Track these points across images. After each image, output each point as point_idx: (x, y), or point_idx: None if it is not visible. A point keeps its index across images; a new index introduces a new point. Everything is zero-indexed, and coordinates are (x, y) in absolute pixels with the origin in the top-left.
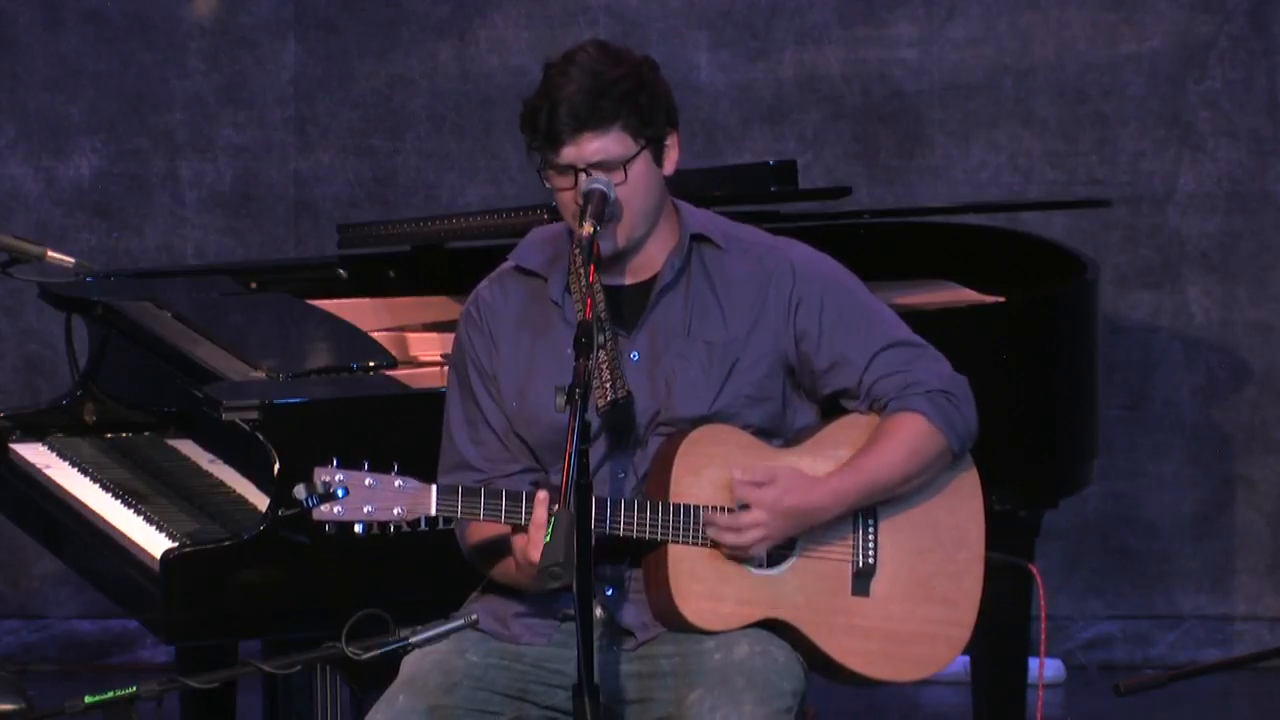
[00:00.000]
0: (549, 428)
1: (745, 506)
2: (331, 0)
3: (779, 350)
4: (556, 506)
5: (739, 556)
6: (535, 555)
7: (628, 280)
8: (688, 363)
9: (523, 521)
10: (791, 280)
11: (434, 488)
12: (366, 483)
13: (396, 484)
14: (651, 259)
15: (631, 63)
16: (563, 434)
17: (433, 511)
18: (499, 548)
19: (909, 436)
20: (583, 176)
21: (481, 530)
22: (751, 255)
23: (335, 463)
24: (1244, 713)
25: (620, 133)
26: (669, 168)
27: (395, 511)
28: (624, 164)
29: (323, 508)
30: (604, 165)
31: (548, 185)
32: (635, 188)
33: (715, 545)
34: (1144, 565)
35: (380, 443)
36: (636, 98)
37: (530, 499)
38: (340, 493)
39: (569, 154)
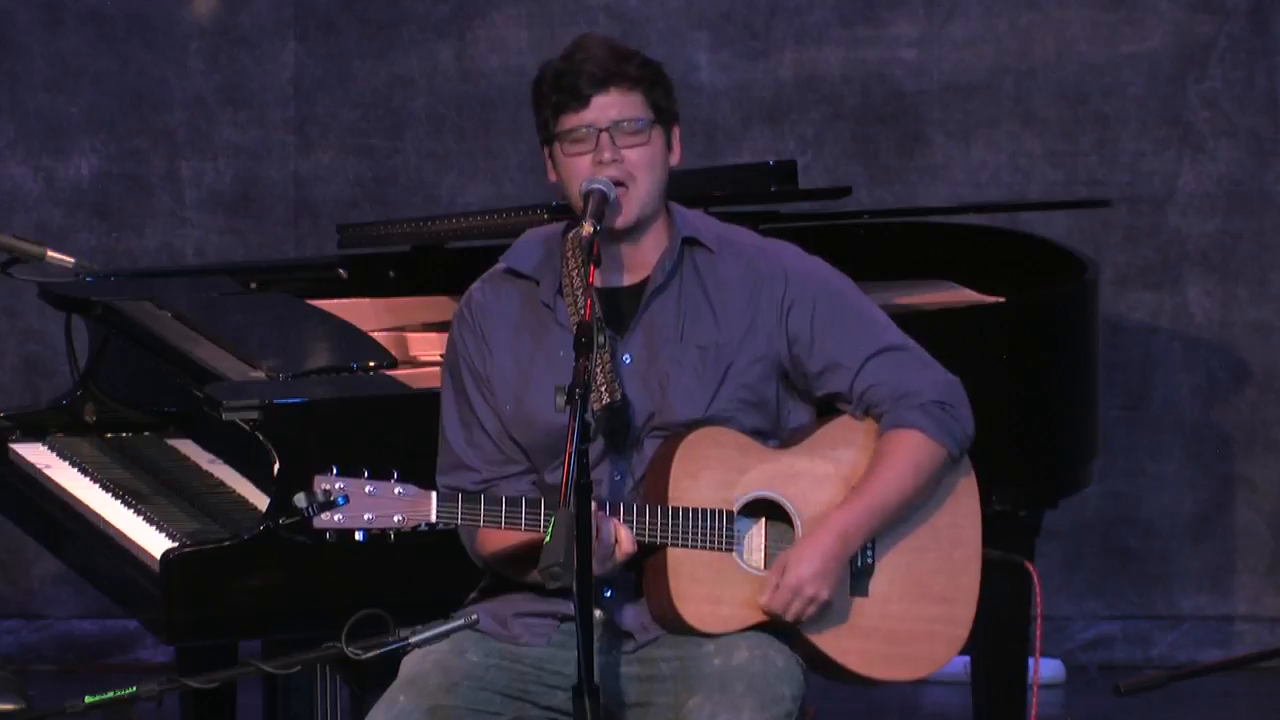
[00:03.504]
0: (545, 430)
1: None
2: (331, 0)
3: (772, 353)
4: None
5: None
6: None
7: (621, 282)
8: (681, 367)
9: (522, 526)
10: (784, 284)
11: (434, 495)
12: (366, 490)
13: (396, 491)
14: (645, 260)
15: (642, 53)
16: (559, 436)
17: (433, 518)
18: (526, 554)
19: (911, 455)
20: (603, 137)
21: (504, 538)
22: (743, 258)
23: (335, 470)
24: (1244, 713)
25: (642, 99)
26: (675, 158)
27: (395, 519)
28: (648, 125)
29: (323, 516)
30: (624, 125)
31: (553, 161)
32: (653, 154)
33: (710, 538)
34: (1144, 565)
35: (380, 443)
36: (655, 72)
37: (533, 505)
38: (340, 501)
39: (591, 112)
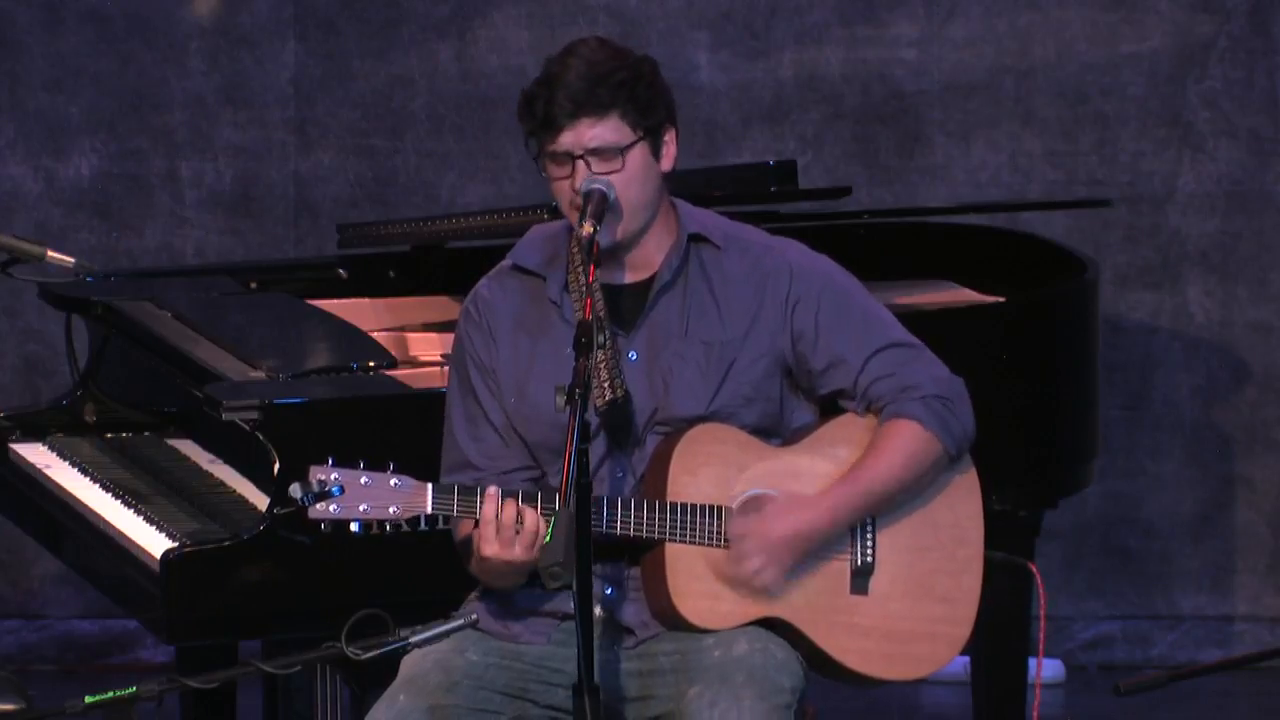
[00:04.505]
0: (548, 427)
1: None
2: (331, 0)
3: (776, 350)
4: (556, 505)
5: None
6: (486, 550)
7: (626, 279)
8: (685, 363)
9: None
10: (789, 281)
11: (430, 486)
12: (362, 481)
13: (392, 482)
14: (650, 258)
15: (631, 57)
16: (562, 433)
17: (429, 510)
18: (470, 546)
19: (905, 444)
20: (580, 164)
21: (463, 528)
22: (750, 255)
23: (331, 461)
24: (1244, 713)
25: (618, 121)
26: (666, 164)
27: (391, 510)
28: (621, 151)
29: (318, 506)
30: (600, 152)
31: (544, 175)
32: (632, 177)
33: (710, 535)
34: (1144, 565)
35: (380, 443)
36: (634, 88)
37: (529, 499)
38: (336, 491)
39: (566, 140)
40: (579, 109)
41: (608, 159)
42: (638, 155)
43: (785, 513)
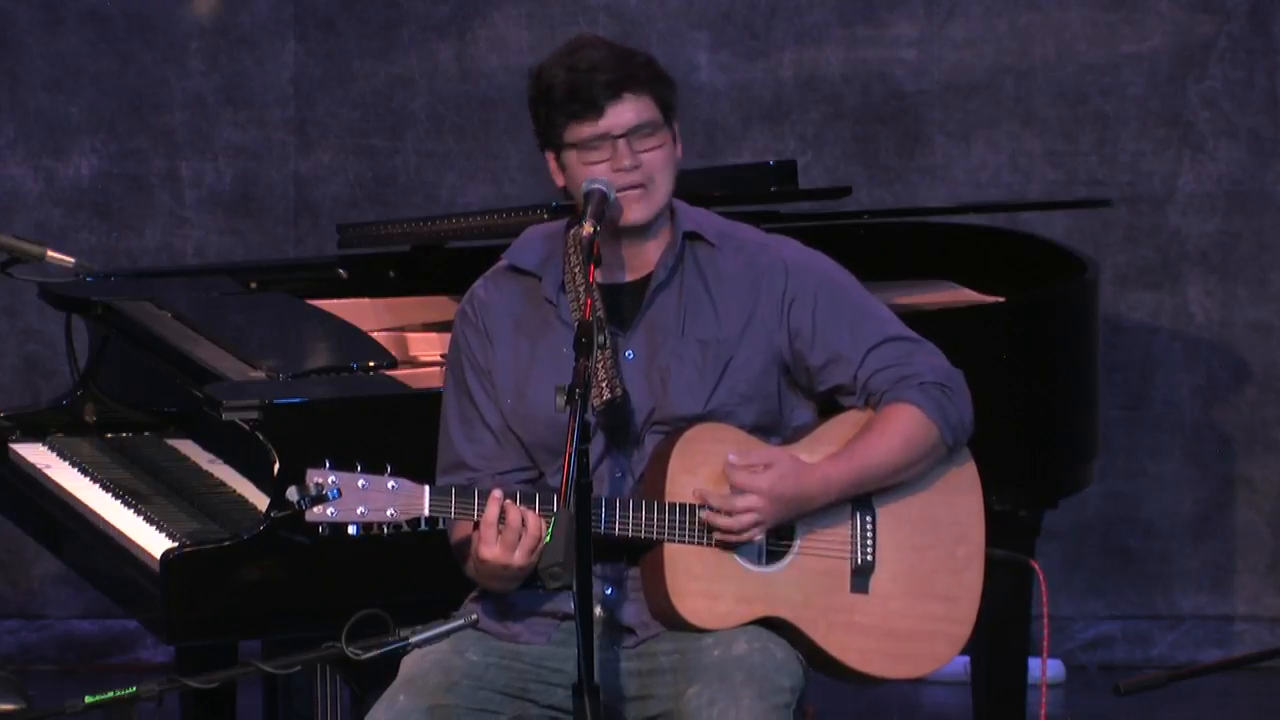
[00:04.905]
0: (546, 427)
1: (740, 492)
2: (331, 0)
3: (773, 348)
4: (556, 506)
5: (732, 543)
6: (486, 553)
7: (623, 278)
8: (682, 361)
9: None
10: (784, 278)
11: (427, 488)
12: (359, 484)
13: (389, 485)
14: (647, 256)
15: (639, 50)
16: (560, 433)
17: (426, 512)
18: (466, 548)
19: (902, 426)
20: (621, 144)
21: (460, 529)
22: (744, 253)
23: (328, 464)
24: (1244, 713)
25: (651, 100)
26: (679, 152)
27: (388, 513)
28: (661, 127)
29: (315, 509)
30: (642, 129)
31: (561, 166)
32: (668, 155)
33: (708, 535)
34: (1144, 565)
35: (380, 443)
36: (658, 69)
37: (527, 499)
38: (333, 494)
39: (608, 119)
40: (622, 85)
41: (648, 135)
42: (668, 135)
43: (788, 473)
